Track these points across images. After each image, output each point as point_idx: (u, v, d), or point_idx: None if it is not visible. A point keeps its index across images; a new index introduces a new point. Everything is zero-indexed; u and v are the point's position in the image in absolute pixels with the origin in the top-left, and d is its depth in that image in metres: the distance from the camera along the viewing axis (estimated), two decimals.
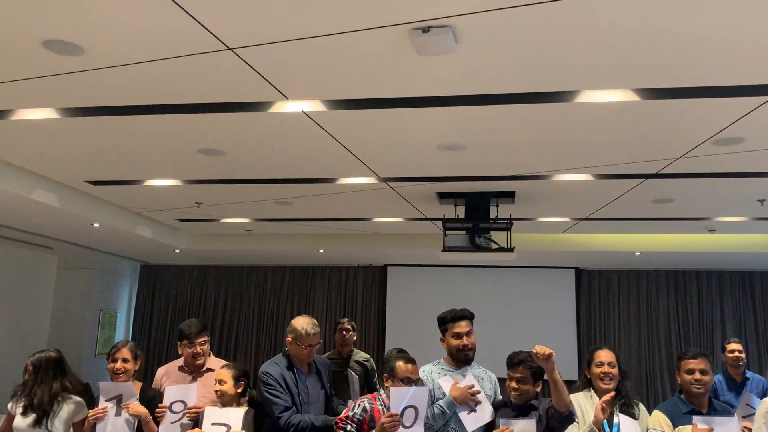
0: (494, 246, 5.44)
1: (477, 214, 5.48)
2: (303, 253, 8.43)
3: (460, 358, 3.33)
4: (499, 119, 3.77)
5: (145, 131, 4.14)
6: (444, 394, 3.20)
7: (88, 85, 3.37)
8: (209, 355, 3.76)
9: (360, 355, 5.39)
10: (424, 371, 3.42)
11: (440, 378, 3.28)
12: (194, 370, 3.69)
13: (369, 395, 3.18)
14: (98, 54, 3.00)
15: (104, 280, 9.37)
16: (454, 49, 2.80)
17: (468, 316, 3.37)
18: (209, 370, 3.69)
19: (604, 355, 3.37)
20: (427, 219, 6.51)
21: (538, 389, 3.17)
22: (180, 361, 3.75)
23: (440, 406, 3.19)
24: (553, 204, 5.87)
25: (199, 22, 2.68)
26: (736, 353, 4.75)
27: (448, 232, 5.49)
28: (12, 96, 3.56)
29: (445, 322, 3.39)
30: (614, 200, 5.61)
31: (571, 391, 3.23)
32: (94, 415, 3.34)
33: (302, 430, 3.23)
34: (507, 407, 3.22)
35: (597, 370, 3.33)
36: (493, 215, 5.56)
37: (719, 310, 8.43)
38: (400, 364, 3.05)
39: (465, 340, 3.31)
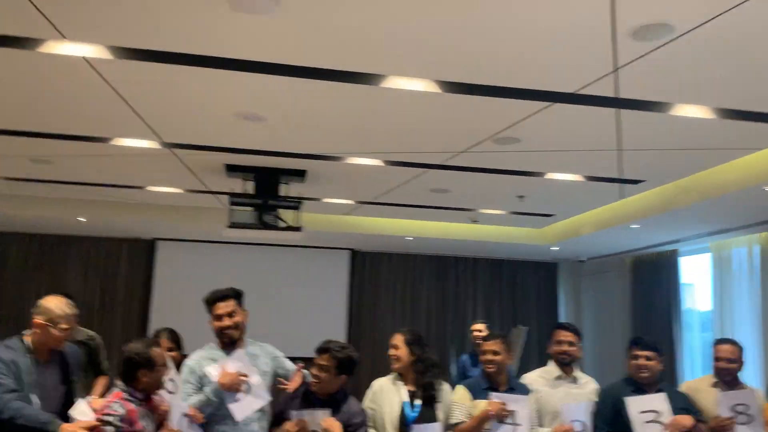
0: (282, 224, 5.33)
1: (266, 190, 5.32)
2: (59, 220, 7.46)
3: (224, 340, 3.22)
4: (304, 94, 3.66)
5: None
6: (210, 382, 3.08)
7: None
8: None
9: (82, 334, 4.87)
10: (192, 358, 3.26)
11: (208, 366, 3.14)
12: None
13: (114, 395, 2.84)
14: None
15: None
16: (272, 9, 2.62)
17: (230, 295, 3.24)
18: None
19: (392, 338, 3.48)
20: (211, 192, 6.15)
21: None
22: None
23: (205, 393, 3.05)
24: (340, 186, 5.93)
25: None
26: (476, 332, 5.51)
27: (234, 207, 5.25)
28: None
29: (208, 303, 3.26)
30: (397, 186, 5.85)
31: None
32: None
33: (20, 418, 2.81)
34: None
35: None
36: (282, 193, 5.43)
37: (473, 293, 9.33)
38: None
39: (225, 321, 3.21)
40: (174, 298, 8.43)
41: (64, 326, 3.06)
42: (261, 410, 3.18)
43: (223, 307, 3.20)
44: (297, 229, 5.38)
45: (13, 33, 2.95)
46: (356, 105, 3.81)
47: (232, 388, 3.07)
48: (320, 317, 8.66)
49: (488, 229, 7.90)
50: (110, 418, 2.67)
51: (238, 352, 3.19)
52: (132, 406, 2.77)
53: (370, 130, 4.25)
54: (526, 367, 5.04)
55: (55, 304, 3.08)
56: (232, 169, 5.32)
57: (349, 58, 3.13)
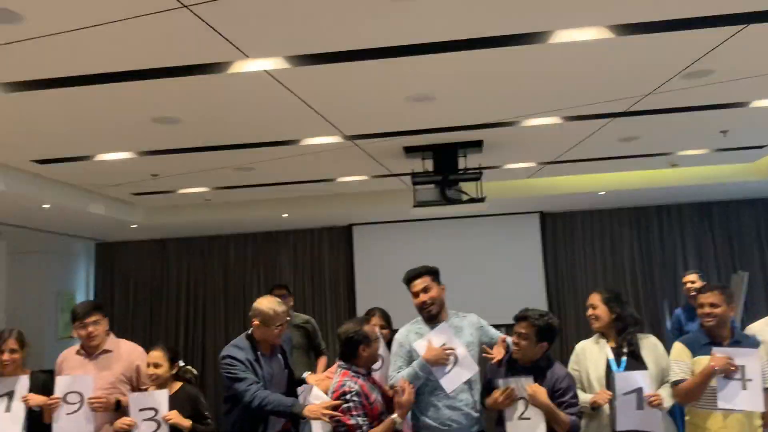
0: (465, 197, 5.37)
1: (446, 166, 5.38)
2: (266, 218, 8.23)
3: (425, 315, 3.35)
4: (470, 66, 3.63)
5: (94, 102, 3.85)
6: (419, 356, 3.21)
7: (30, 55, 3.08)
8: (107, 336, 3.65)
9: (299, 318, 5.29)
10: (401, 333, 3.42)
11: (415, 342, 3.28)
12: (90, 352, 3.59)
13: (342, 374, 3.09)
14: (39, 21, 2.72)
15: (59, 262, 9.00)
16: None
17: (423, 272, 3.35)
18: (106, 351, 3.60)
19: (590, 298, 3.38)
20: (394, 175, 6.38)
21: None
22: (78, 346, 3.66)
23: (413, 368, 3.18)
24: (520, 150, 5.81)
25: None
26: (688, 284, 5.17)
27: (417, 187, 5.39)
28: None
29: (406, 283, 3.41)
30: (581, 142, 5.58)
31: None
32: None
33: (268, 405, 3.15)
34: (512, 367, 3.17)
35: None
36: (461, 166, 5.46)
37: (680, 242, 8.62)
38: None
39: (422, 297, 3.32)
40: (375, 278, 8.90)
41: (278, 324, 3.37)
42: (469, 380, 3.27)
43: (418, 284, 3.35)
44: (480, 200, 5.38)
45: (204, 61, 3.31)
46: (525, 66, 3.69)
47: (438, 362, 3.19)
48: (517, 283, 8.59)
49: (691, 171, 7.23)
50: (348, 396, 2.93)
51: (442, 326, 3.30)
52: (361, 381, 3.02)
53: (543, 89, 4.11)
54: (753, 316, 4.57)
55: (267, 305, 3.37)
56: (410, 150, 5.46)
57: (510, 21, 3.05)
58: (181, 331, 9.30)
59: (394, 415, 3.00)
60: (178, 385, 3.43)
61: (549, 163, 6.39)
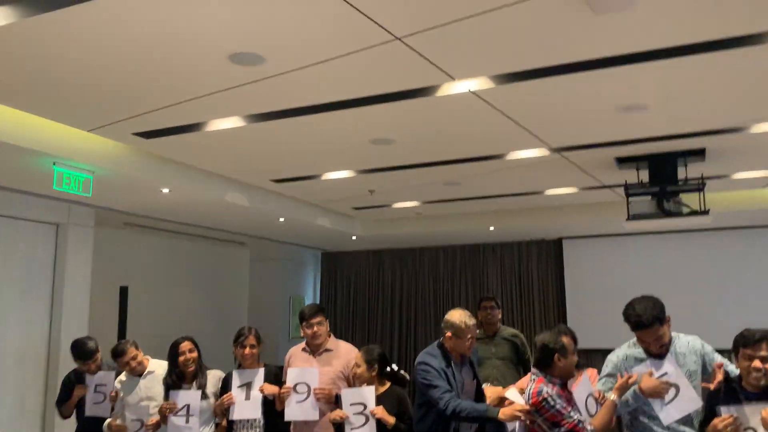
0: (686, 210, 5.01)
1: (663, 176, 5.07)
2: (473, 231, 8.40)
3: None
4: (686, 72, 3.44)
5: (321, 128, 4.33)
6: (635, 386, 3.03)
7: (269, 91, 3.59)
8: (329, 336, 3.98)
9: (507, 331, 5.27)
10: (618, 356, 3.23)
11: (635, 366, 3.08)
12: (314, 350, 3.95)
13: (537, 381, 3.08)
14: (277, 61, 3.18)
15: (291, 268, 10.06)
16: (633, 3, 2.59)
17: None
18: (327, 350, 3.94)
19: None
20: (605, 187, 6.16)
21: None
22: (304, 344, 4.03)
23: (627, 396, 3.03)
24: (750, 158, 5.27)
25: (367, 16, 2.73)
26: None
27: (632, 199, 5.15)
28: (204, 109, 3.90)
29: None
30: None
31: None
32: (228, 400, 3.77)
33: (462, 412, 3.25)
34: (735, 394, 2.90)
35: None
36: (681, 176, 5.12)
37: None
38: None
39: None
40: (586, 292, 8.62)
41: (468, 336, 3.48)
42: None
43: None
44: (704, 212, 4.98)
45: (415, 86, 3.57)
46: (748, 69, 3.40)
47: (655, 395, 2.99)
48: (748, 304, 7.72)
49: None
50: (548, 398, 2.96)
51: (668, 357, 3.07)
52: (557, 387, 3.02)
53: None
54: None
55: (458, 318, 3.51)
56: (622, 161, 5.25)
57: (725, 24, 2.85)
58: (396, 335, 9.84)
59: (613, 396, 2.97)
60: (387, 385, 3.68)
61: None
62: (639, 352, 3.16)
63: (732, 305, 7.77)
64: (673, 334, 3.17)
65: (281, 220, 7.05)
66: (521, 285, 9.19)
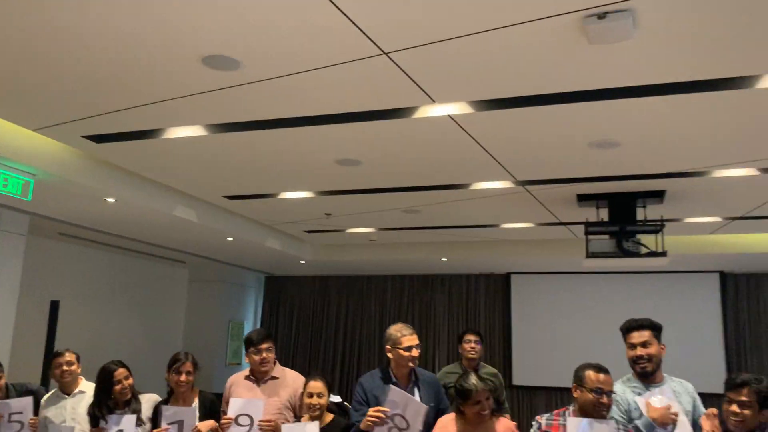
0: (644, 250, 5.06)
1: (622, 216, 5.12)
2: (425, 261, 8.31)
3: (636, 370, 3.12)
4: (664, 111, 3.45)
5: (287, 144, 4.15)
6: (641, 414, 2.99)
7: (240, 99, 3.39)
8: (275, 364, 3.79)
9: (486, 370, 5.14)
10: (616, 389, 3.21)
11: (635, 396, 3.06)
12: (259, 378, 3.73)
13: (557, 411, 2.99)
14: (254, 67, 3.00)
15: (231, 292, 9.69)
16: (633, 35, 2.56)
17: (645, 325, 3.14)
18: (273, 378, 3.75)
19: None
20: (561, 224, 6.19)
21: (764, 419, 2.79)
22: (247, 371, 3.80)
23: (637, 426, 2.97)
24: (706, 203, 5.39)
25: (358, 28, 2.60)
26: None
27: (591, 237, 5.17)
28: (165, 114, 3.65)
29: (623, 331, 3.20)
30: None
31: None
32: None
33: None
34: None
35: None
36: (640, 217, 5.17)
37: None
38: (590, 373, 2.85)
39: (638, 351, 3.11)
40: (531, 328, 8.65)
41: (406, 346, 3.32)
42: None
43: (638, 336, 3.14)
44: (662, 254, 5.04)
45: (394, 106, 3.45)
46: (724, 113, 3.44)
47: (663, 422, 2.95)
48: (692, 348, 7.88)
49: None
50: None
51: (664, 388, 3.09)
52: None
53: (740, 137, 3.80)
54: None
55: (393, 329, 3.39)
56: (583, 198, 5.27)
57: (714, 65, 2.87)
58: (338, 364, 9.57)
59: None
60: (330, 417, 3.49)
61: (737, 218, 5.86)
62: (635, 385, 3.15)
63: (679, 348, 7.89)
64: (666, 375, 3.19)
65: (229, 239, 6.76)
66: (468, 318, 9.13)
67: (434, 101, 3.38)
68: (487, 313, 9.08)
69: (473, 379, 3.11)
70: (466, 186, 5.08)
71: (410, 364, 3.35)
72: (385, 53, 2.83)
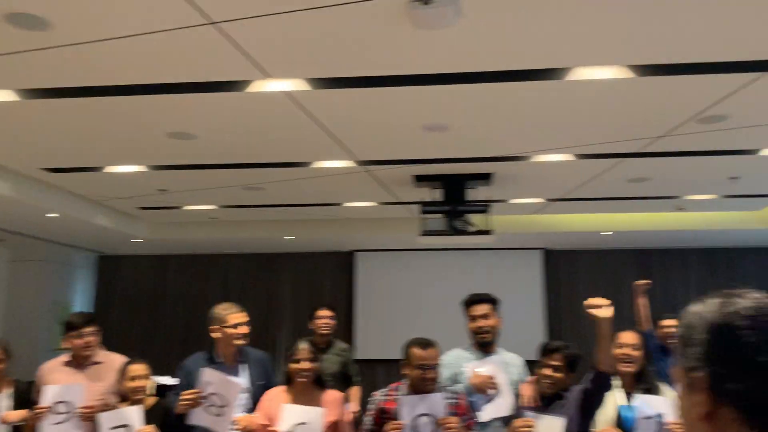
0: (472, 229, 5.37)
1: (454, 197, 5.39)
2: (269, 240, 8.21)
3: (478, 341, 3.34)
4: (487, 98, 3.66)
5: (112, 114, 3.87)
6: (466, 379, 3.21)
7: (53, 63, 3.10)
8: (98, 348, 3.62)
9: (340, 345, 5.23)
10: (450, 356, 3.40)
11: (465, 363, 3.29)
12: (80, 363, 3.52)
13: (393, 384, 3.08)
14: (66, 29, 2.75)
15: (59, 272, 8.94)
16: (455, 22, 2.67)
17: (485, 299, 3.37)
18: (97, 362, 3.56)
19: (627, 337, 3.32)
20: (402, 203, 6.39)
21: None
22: (66, 357, 3.57)
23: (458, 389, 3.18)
24: (528, 185, 5.83)
25: None
26: (666, 330, 4.52)
27: (425, 216, 5.39)
28: None
29: (465, 305, 3.41)
30: (590, 180, 5.60)
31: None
32: None
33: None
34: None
35: (618, 352, 3.26)
36: (470, 198, 5.47)
37: (683, 287, 8.59)
38: (414, 350, 2.97)
39: (480, 323, 3.33)
40: (375, 305, 8.88)
41: (232, 324, 3.35)
42: (505, 419, 3.23)
43: (479, 309, 3.35)
44: (487, 232, 5.38)
45: (226, 78, 3.33)
46: (541, 102, 3.72)
47: (482, 389, 3.17)
48: (517, 318, 8.51)
49: (697, 217, 7.25)
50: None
51: (494, 358, 3.32)
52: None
53: (557, 125, 4.14)
54: None
55: (218, 307, 3.42)
56: (420, 179, 5.48)
57: (531, 56, 3.08)
58: (177, 348, 9.20)
59: None
60: (153, 400, 3.38)
61: (556, 200, 6.40)
62: (469, 355, 3.37)
63: (506, 318, 8.49)
64: (500, 348, 3.45)
65: (51, 215, 6.22)
66: (313, 296, 9.17)
67: (269, 76, 3.31)
68: (333, 291, 9.19)
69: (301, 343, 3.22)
70: (308, 164, 5.06)
71: (237, 342, 3.31)
72: (213, 22, 2.72)
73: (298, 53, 3.04)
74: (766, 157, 4.76)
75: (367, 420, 3.05)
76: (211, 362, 3.27)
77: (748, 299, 0.94)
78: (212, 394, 3.07)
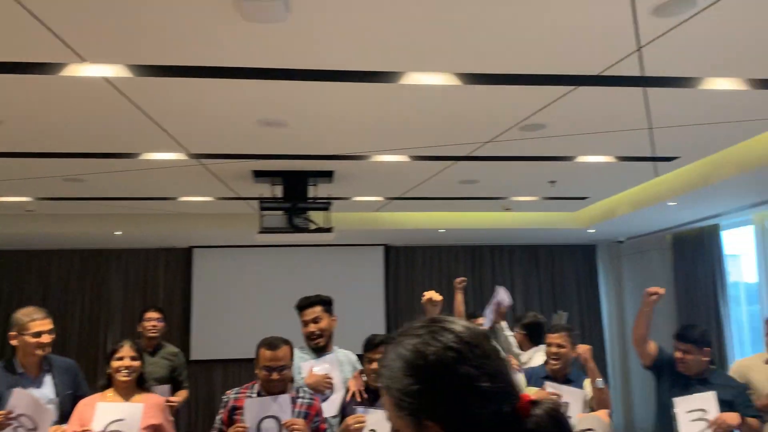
0: (312, 226, 5.34)
1: (295, 193, 5.33)
2: (96, 235, 7.62)
3: (311, 345, 3.36)
4: (324, 96, 3.64)
5: None
6: (302, 379, 3.21)
7: None
8: None
9: (168, 349, 4.98)
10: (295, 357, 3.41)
11: (302, 362, 3.31)
12: None
13: (246, 384, 3.01)
14: None
15: None
16: (284, 18, 2.60)
17: (314, 302, 3.36)
18: None
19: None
20: (241, 198, 6.20)
21: None
22: None
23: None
24: (369, 184, 5.91)
25: None
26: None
27: (265, 212, 5.27)
28: None
29: (298, 309, 3.44)
30: (425, 180, 5.80)
31: None
32: None
33: None
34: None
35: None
36: (311, 195, 5.44)
37: (510, 281, 9.22)
38: (261, 351, 2.92)
39: (310, 327, 3.36)
40: (212, 303, 8.58)
41: (36, 329, 3.15)
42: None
43: (309, 313, 3.33)
44: (328, 230, 5.39)
45: (34, 59, 3.01)
46: (377, 104, 3.77)
47: (317, 388, 3.19)
48: (359, 313, 8.64)
49: (522, 216, 7.80)
50: None
51: (329, 357, 3.34)
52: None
53: (393, 127, 4.22)
54: None
55: (21, 313, 3.21)
56: (259, 174, 5.35)
57: (365, 58, 3.10)
58: None
59: None
60: None
61: (395, 198, 6.56)
62: (304, 356, 3.39)
63: (347, 314, 8.58)
64: (335, 347, 3.50)
65: None
66: (146, 294, 8.67)
67: (84, 60, 3.03)
68: (167, 289, 8.75)
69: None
70: (135, 156, 4.74)
71: (38, 352, 3.03)
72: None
73: (118, 38, 2.81)
74: (580, 163, 5.21)
75: (218, 418, 2.95)
76: (10, 372, 2.95)
77: (452, 332, 0.95)
78: (21, 415, 2.77)
